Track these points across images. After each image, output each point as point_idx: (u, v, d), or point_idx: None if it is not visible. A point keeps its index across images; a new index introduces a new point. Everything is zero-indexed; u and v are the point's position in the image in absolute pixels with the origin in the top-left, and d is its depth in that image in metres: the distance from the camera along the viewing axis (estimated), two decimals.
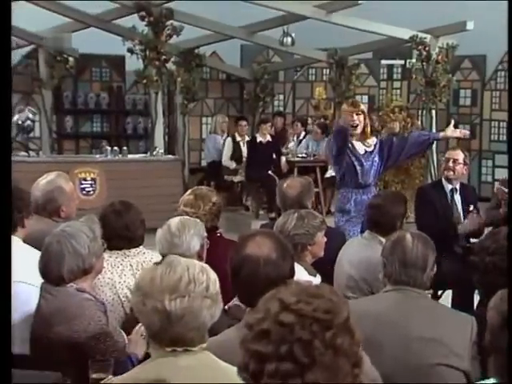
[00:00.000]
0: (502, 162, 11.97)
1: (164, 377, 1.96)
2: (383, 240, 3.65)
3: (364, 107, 5.67)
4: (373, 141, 5.58)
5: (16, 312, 3.12)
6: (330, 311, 1.49)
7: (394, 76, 12.97)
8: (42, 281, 2.99)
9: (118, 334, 3.09)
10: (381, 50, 11.96)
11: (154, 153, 9.94)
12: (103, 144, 10.83)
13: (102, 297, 3.30)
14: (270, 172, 9.90)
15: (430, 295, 4.69)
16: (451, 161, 5.47)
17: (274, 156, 10.27)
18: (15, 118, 9.10)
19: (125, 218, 3.60)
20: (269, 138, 10.26)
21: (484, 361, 2.33)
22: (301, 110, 12.93)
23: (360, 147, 5.53)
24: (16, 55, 11.40)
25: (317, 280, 3.65)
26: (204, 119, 12.66)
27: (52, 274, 2.95)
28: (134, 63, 10.37)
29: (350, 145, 5.50)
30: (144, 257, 3.57)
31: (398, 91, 12.84)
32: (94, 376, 2.60)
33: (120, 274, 3.49)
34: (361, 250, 4.12)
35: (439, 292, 5.45)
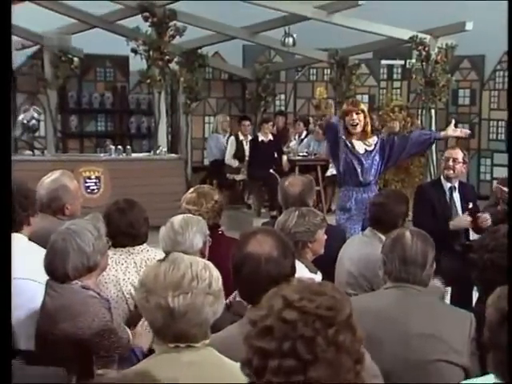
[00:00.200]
0: (500, 160, 11.96)
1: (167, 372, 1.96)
2: (384, 238, 3.64)
3: (364, 107, 5.67)
4: (373, 140, 5.58)
5: (22, 308, 3.13)
6: (332, 308, 1.49)
7: (394, 76, 12.96)
8: (47, 278, 2.99)
9: (123, 330, 3.09)
10: (381, 51, 11.95)
11: (158, 152, 9.94)
12: (107, 143, 10.82)
13: (106, 294, 3.29)
14: (271, 171, 9.89)
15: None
16: (451, 160, 5.46)
17: (276, 155, 10.26)
18: (20, 117, 9.11)
19: (129, 215, 3.60)
20: (270, 137, 10.27)
21: (482, 357, 2.33)
22: (302, 110, 12.92)
23: (360, 146, 5.53)
24: (21, 56, 11.42)
25: (318, 277, 3.65)
26: (207, 118, 12.66)
27: (57, 271, 2.95)
28: (137, 63, 10.38)
29: (349, 144, 5.51)
30: (148, 254, 3.57)
31: (398, 91, 12.83)
32: (99, 372, 2.61)
33: (124, 271, 3.49)
34: (361, 248, 4.12)
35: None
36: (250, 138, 10.60)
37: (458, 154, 5.51)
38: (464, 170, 5.61)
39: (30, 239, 3.46)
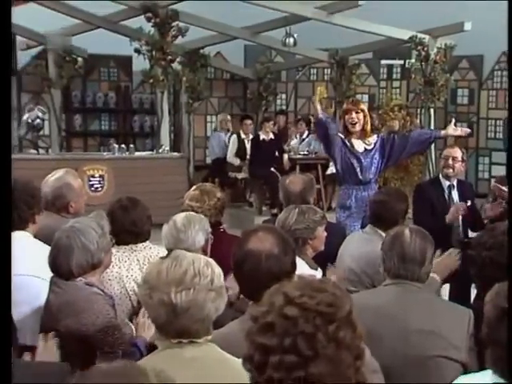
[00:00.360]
0: (498, 159, 11.94)
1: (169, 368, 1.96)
2: (384, 235, 3.64)
3: (364, 106, 5.66)
4: (373, 139, 5.58)
5: (27, 305, 3.13)
6: (333, 305, 1.49)
7: (394, 76, 12.94)
8: (52, 275, 2.99)
9: (126, 326, 3.10)
10: (381, 51, 11.93)
11: (160, 150, 9.94)
12: (111, 142, 10.83)
13: (109, 290, 3.29)
14: (272, 169, 9.89)
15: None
16: (450, 158, 5.45)
17: (277, 153, 10.27)
18: (25, 116, 9.12)
19: (132, 213, 3.60)
20: (271, 135, 10.27)
21: (481, 352, 2.33)
22: (302, 109, 12.91)
23: (359, 145, 5.52)
24: (26, 56, 11.42)
25: (318, 274, 3.65)
26: (208, 118, 12.67)
27: (61, 268, 2.95)
28: (140, 63, 10.38)
29: (348, 143, 5.50)
30: (151, 251, 3.57)
31: (398, 90, 12.82)
32: None
33: (127, 268, 3.49)
34: (362, 245, 4.12)
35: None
36: (251, 136, 10.60)
37: (457, 153, 5.50)
38: (463, 168, 5.60)
39: (34, 237, 3.46)
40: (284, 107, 12.98)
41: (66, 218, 3.71)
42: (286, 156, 10.38)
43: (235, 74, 12.80)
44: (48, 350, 2.80)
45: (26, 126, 9.01)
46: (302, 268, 3.34)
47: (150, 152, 10.35)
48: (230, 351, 2.10)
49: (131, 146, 10.08)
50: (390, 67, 12.86)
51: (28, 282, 3.18)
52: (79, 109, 12.16)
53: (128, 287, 3.45)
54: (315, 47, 11.62)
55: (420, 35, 9.89)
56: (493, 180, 7.80)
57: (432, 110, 10.24)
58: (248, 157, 10.43)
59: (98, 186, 9.11)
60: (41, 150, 9.40)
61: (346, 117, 5.50)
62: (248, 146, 10.52)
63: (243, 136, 10.65)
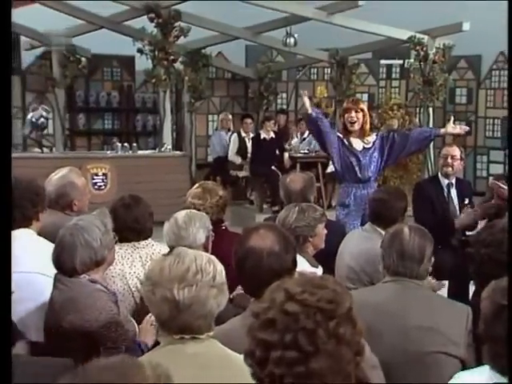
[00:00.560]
0: (496, 157, 11.97)
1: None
2: (383, 233, 3.64)
3: (364, 106, 5.64)
4: (372, 138, 5.57)
5: (32, 301, 3.13)
6: (333, 301, 1.48)
7: (393, 75, 12.94)
8: (56, 272, 2.99)
9: (129, 322, 3.10)
10: (380, 51, 11.93)
11: (163, 149, 9.94)
12: (114, 141, 10.83)
13: (113, 287, 3.30)
14: (273, 167, 9.89)
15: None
16: (449, 157, 5.45)
17: (278, 152, 10.27)
18: (29, 115, 9.11)
19: (134, 211, 3.60)
20: (272, 134, 10.27)
21: (478, 348, 2.33)
22: (303, 108, 12.86)
23: (358, 144, 5.51)
24: (30, 56, 11.42)
25: (318, 271, 3.65)
26: (210, 117, 12.67)
27: (65, 265, 2.95)
28: (143, 63, 10.38)
29: (347, 142, 5.49)
30: (153, 249, 3.57)
31: (397, 90, 12.82)
32: None
33: (130, 266, 3.49)
34: (361, 243, 4.11)
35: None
36: (251, 135, 10.60)
37: (456, 151, 5.50)
38: (461, 166, 5.60)
39: (38, 234, 3.46)
40: (285, 106, 12.98)
41: (69, 216, 3.71)
42: (286, 154, 10.37)
43: (236, 74, 12.79)
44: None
45: (31, 125, 9.00)
46: (303, 265, 3.34)
47: (153, 151, 10.36)
48: (231, 347, 2.10)
49: (134, 144, 10.09)
50: (389, 67, 12.86)
51: (32, 278, 3.19)
52: (83, 108, 12.16)
53: (131, 284, 3.45)
54: (315, 47, 11.61)
55: (419, 35, 9.88)
56: (491, 178, 7.79)
57: (431, 109, 10.23)
58: (249, 155, 10.43)
59: (102, 184, 9.11)
60: (45, 149, 9.39)
61: (346, 115, 5.49)
62: (249, 144, 10.53)
63: (244, 135, 10.65)
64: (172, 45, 9.92)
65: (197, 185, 4.20)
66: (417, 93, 10.49)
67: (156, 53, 9.88)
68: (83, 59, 11.26)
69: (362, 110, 5.49)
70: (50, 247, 3.07)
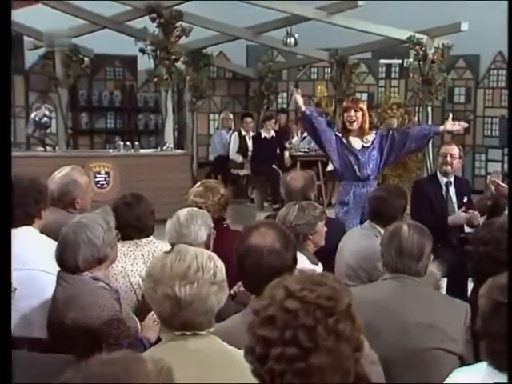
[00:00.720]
0: (494, 156, 11.97)
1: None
2: (382, 231, 3.64)
3: (363, 105, 5.63)
4: (371, 136, 5.56)
5: (35, 298, 3.14)
6: (332, 298, 1.48)
7: (392, 75, 12.93)
8: (59, 269, 2.99)
9: (131, 319, 3.10)
10: (379, 50, 11.92)
11: (164, 148, 9.94)
12: (116, 139, 10.83)
13: (115, 284, 3.30)
14: (274, 166, 9.89)
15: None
16: (448, 156, 5.45)
17: (278, 151, 10.27)
18: (33, 115, 9.12)
19: (136, 209, 3.60)
20: (273, 133, 10.27)
21: (476, 345, 2.33)
22: (295, 106, 12.89)
23: (357, 143, 5.50)
24: (33, 56, 11.42)
25: (318, 268, 3.64)
26: (211, 116, 12.65)
27: (68, 263, 2.95)
28: (145, 63, 10.38)
29: (345, 141, 5.49)
30: (155, 246, 3.57)
31: (396, 89, 12.81)
32: None
33: (132, 263, 3.49)
34: (360, 240, 4.11)
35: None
36: (251, 134, 10.62)
37: (455, 150, 5.50)
38: (460, 165, 5.60)
39: (41, 232, 3.46)
40: (285, 106, 12.96)
41: (72, 214, 3.71)
42: (287, 153, 10.37)
43: (237, 73, 12.78)
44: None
45: (34, 124, 9.01)
46: (303, 263, 3.34)
47: (155, 149, 10.35)
48: (232, 344, 2.10)
49: (136, 143, 10.09)
50: (388, 66, 12.86)
51: (35, 276, 3.19)
52: (85, 107, 12.16)
53: (133, 281, 3.45)
54: (316, 47, 11.60)
55: (418, 35, 9.87)
56: (489, 176, 7.79)
57: (430, 109, 10.22)
58: (250, 154, 10.43)
59: (104, 182, 9.11)
60: (48, 148, 9.39)
61: (345, 114, 5.48)
62: (249, 143, 10.53)
63: (244, 133, 10.65)
64: (174, 45, 9.92)
65: (199, 183, 4.19)
66: (416, 92, 10.49)
67: (158, 52, 9.88)
68: (86, 59, 11.27)
69: (361, 110, 5.48)
70: (52, 245, 3.07)
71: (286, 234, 2.60)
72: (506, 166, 11.09)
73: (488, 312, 1.91)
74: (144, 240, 3.58)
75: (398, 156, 5.79)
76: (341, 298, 1.50)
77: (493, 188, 5.25)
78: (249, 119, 10.82)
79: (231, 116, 11.54)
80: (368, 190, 5.30)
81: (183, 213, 3.40)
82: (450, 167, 5.46)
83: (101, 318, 2.81)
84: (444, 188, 5.53)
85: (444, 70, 10.19)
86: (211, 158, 11.85)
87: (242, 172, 10.67)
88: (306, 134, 10.85)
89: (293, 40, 10.59)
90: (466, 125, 6.17)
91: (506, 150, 11.62)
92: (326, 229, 3.81)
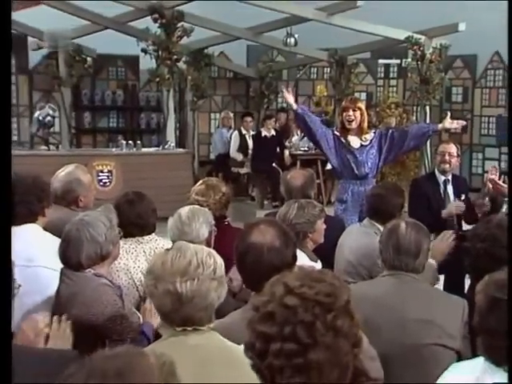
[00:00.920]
0: (491, 154, 11.98)
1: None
2: (381, 228, 3.64)
3: (362, 105, 5.62)
4: (370, 135, 5.55)
5: (38, 295, 3.13)
6: (331, 295, 1.48)
7: (391, 74, 12.93)
8: (62, 266, 2.99)
9: (133, 315, 3.10)
10: (378, 50, 11.92)
11: (166, 146, 9.94)
12: (119, 138, 10.83)
13: (117, 281, 3.30)
14: (274, 164, 9.90)
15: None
16: (447, 154, 5.44)
17: (278, 149, 10.27)
18: (36, 114, 9.12)
19: (137, 207, 3.60)
20: (273, 132, 10.28)
21: (474, 340, 2.33)
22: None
23: (356, 142, 5.50)
24: (37, 55, 11.42)
25: (318, 265, 3.64)
26: (212, 115, 12.66)
27: (71, 260, 2.95)
28: (147, 63, 10.37)
29: (344, 140, 5.48)
30: (156, 243, 3.57)
31: (395, 89, 12.81)
32: None
33: (134, 260, 3.49)
34: (359, 238, 4.11)
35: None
36: (251, 133, 10.63)
37: (453, 148, 5.50)
38: (457, 163, 5.60)
39: (45, 229, 3.46)
40: (285, 105, 12.90)
41: (75, 212, 3.70)
42: (286, 152, 10.38)
43: (238, 73, 12.78)
44: (60, 334, 2.80)
45: (37, 123, 9.01)
46: (303, 260, 3.33)
47: (157, 148, 10.35)
48: (232, 339, 2.10)
49: (138, 142, 10.10)
50: (387, 66, 12.85)
51: (39, 272, 3.19)
52: (88, 106, 12.16)
53: (135, 278, 3.45)
54: (315, 47, 11.60)
55: (416, 35, 9.86)
56: (486, 174, 7.79)
57: (427, 108, 10.22)
58: (250, 152, 10.44)
59: (107, 180, 9.11)
60: (51, 147, 9.40)
61: (344, 114, 5.47)
62: (249, 142, 10.54)
63: (244, 132, 10.66)
64: (175, 45, 9.92)
65: (200, 181, 4.19)
66: (414, 91, 10.49)
67: (160, 52, 9.88)
68: (89, 59, 11.28)
69: (360, 109, 5.47)
70: (56, 242, 3.07)
71: (286, 232, 2.60)
72: (502, 164, 11.10)
73: (485, 308, 1.91)
74: (146, 237, 3.58)
75: (398, 154, 5.79)
76: (339, 295, 1.50)
77: (490, 186, 5.23)
78: (249, 118, 10.82)
79: (231, 115, 11.55)
80: (366, 188, 5.29)
81: (185, 210, 3.40)
82: (448, 165, 5.45)
83: (104, 314, 2.81)
84: (442, 186, 5.52)
85: (442, 70, 10.20)
86: (212, 156, 11.85)
87: (243, 170, 10.68)
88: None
89: (293, 40, 10.59)
90: (464, 123, 6.17)
91: (502, 149, 11.64)
92: (324, 226, 3.81)
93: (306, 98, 12.92)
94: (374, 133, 5.61)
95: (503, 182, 5.23)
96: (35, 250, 3.26)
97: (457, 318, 2.81)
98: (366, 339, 2.10)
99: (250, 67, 12.60)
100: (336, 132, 5.52)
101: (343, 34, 10.18)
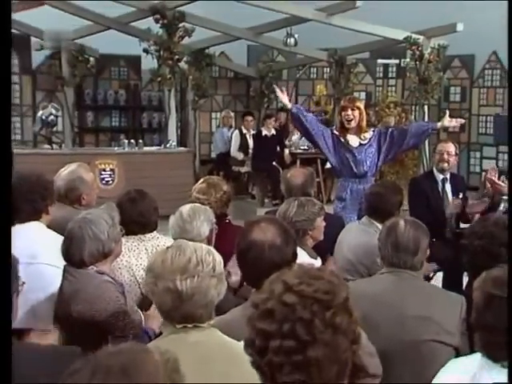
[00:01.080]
0: (489, 153, 11.98)
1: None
2: (379, 226, 3.63)
3: (361, 104, 5.61)
4: (369, 134, 5.54)
5: (42, 292, 3.14)
6: (329, 292, 1.48)
7: (390, 74, 12.93)
8: (65, 263, 3.00)
9: (135, 312, 3.10)
10: (377, 50, 11.91)
11: (168, 145, 9.94)
12: (121, 137, 10.85)
13: (120, 278, 3.30)
14: (274, 163, 9.89)
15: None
16: (445, 153, 5.44)
17: (278, 148, 10.27)
18: (39, 113, 9.13)
19: (139, 205, 3.60)
20: (273, 131, 10.27)
21: (471, 336, 2.33)
22: (303, 106, 12.88)
23: (355, 141, 5.49)
24: (40, 56, 11.42)
25: (317, 262, 3.64)
26: (213, 114, 12.65)
27: (74, 257, 2.95)
28: (149, 62, 10.38)
29: (343, 139, 5.47)
30: (158, 241, 3.57)
31: (393, 88, 12.81)
32: None
33: (136, 257, 3.49)
34: (358, 236, 4.11)
35: (431, 274, 5.44)
36: (252, 132, 10.62)
37: (451, 147, 5.50)
38: (456, 162, 5.60)
39: (48, 227, 3.46)
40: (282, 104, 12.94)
41: (78, 210, 3.71)
42: (287, 151, 10.37)
43: (239, 73, 12.78)
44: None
45: (41, 122, 9.01)
46: (303, 257, 3.34)
47: (158, 147, 10.35)
48: (232, 336, 2.10)
49: (140, 141, 10.10)
50: (386, 66, 12.85)
51: (42, 269, 3.20)
52: (91, 106, 12.17)
53: (137, 275, 3.45)
54: (315, 47, 11.59)
55: (414, 36, 9.85)
56: (484, 173, 7.79)
57: (426, 107, 10.21)
58: (250, 151, 10.44)
59: (109, 179, 9.11)
60: (54, 146, 9.39)
61: (343, 113, 5.46)
62: (250, 141, 10.54)
63: (244, 131, 10.66)
64: (177, 45, 9.92)
65: (202, 180, 4.18)
66: (412, 91, 10.48)
67: (161, 53, 9.88)
68: (91, 59, 11.28)
69: (359, 108, 5.46)
70: (59, 239, 3.07)
71: (287, 230, 2.60)
72: (500, 163, 11.11)
73: (482, 304, 1.91)
74: (148, 235, 3.58)
75: (397, 153, 5.78)
76: (338, 292, 1.49)
77: (489, 185, 5.23)
78: (249, 118, 10.82)
79: (232, 114, 11.54)
80: (365, 186, 5.28)
81: (186, 209, 3.40)
82: (446, 164, 5.46)
83: (107, 310, 2.81)
84: (440, 184, 5.52)
85: (440, 70, 10.19)
86: (213, 155, 11.85)
87: (243, 169, 10.67)
88: None
89: (293, 40, 10.57)
90: (463, 121, 6.17)
91: (500, 148, 11.64)
92: (324, 224, 3.81)
93: (306, 98, 12.92)
94: (373, 132, 5.60)
95: (502, 181, 5.23)
96: (39, 248, 3.27)
97: (455, 315, 2.81)
98: (364, 335, 2.10)
99: (250, 67, 12.59)
100: (335, 131, 5.52)
101: (343, 34, 10.17)
